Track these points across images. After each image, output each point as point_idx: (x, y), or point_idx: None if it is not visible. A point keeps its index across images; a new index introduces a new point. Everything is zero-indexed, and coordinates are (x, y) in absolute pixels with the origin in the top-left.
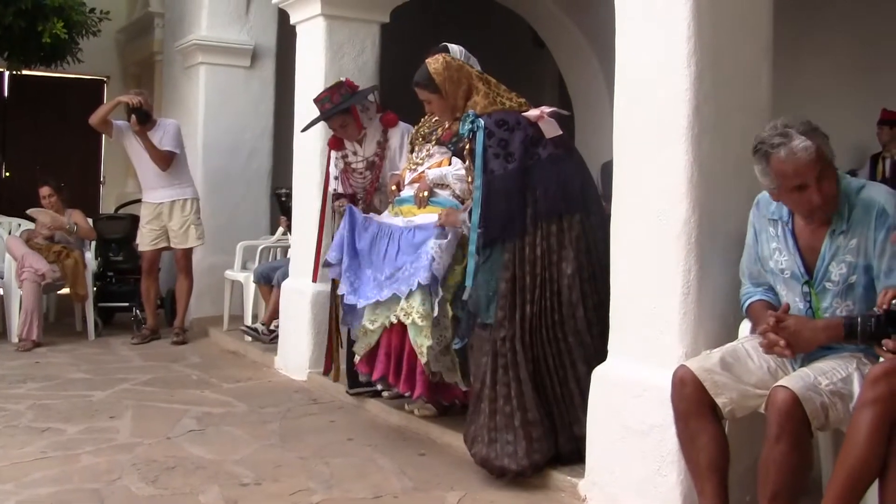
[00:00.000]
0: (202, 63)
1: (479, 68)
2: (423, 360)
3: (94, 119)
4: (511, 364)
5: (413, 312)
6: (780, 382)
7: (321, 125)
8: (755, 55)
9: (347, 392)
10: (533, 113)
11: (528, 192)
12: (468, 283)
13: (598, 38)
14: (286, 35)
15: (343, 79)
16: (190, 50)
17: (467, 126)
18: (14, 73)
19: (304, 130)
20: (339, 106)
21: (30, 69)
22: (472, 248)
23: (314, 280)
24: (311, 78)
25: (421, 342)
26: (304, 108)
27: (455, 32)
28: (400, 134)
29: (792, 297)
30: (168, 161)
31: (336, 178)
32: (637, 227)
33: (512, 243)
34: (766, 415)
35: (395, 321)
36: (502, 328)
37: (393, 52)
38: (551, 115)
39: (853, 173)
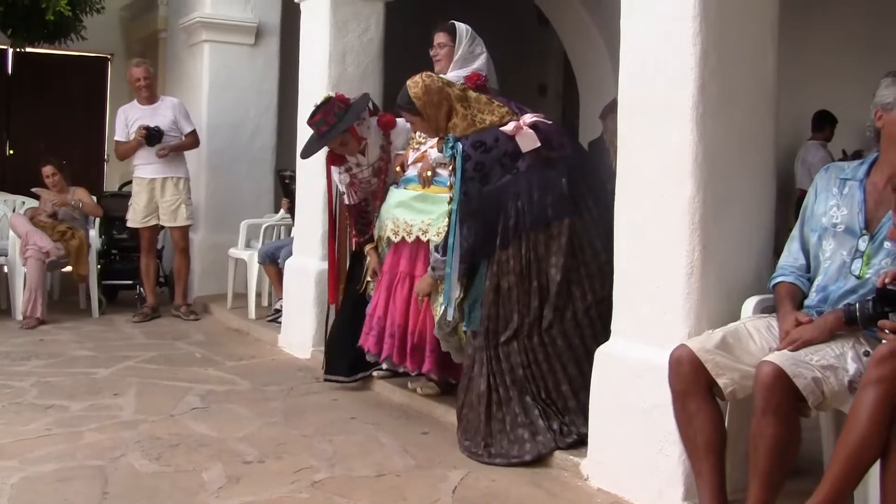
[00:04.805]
0: (206, 41)
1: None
2: (436, 316)
3: (122, 158)
4: (507, 370)
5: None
6: (766, 357)
7: None
8: (761, 34)
9: (325, 379)
10: (509, 128)
11: (511, 205)
12: (444, 301)
13: (602, 16)
14: (290, 13)
15: (332, 94)
16: (194, 27)
17: (448, 152)
18: (18, 50)
19: (304, 157)
20: (336, 128)
21: (33, 46)
22: (447, 270)
23: (331, 303)
24: (315, 56)
25: (437, 308)
26: (308, 87)
27: (461, 10)
28: (402, 132)
29: (839, 252)
30: (197, 141)
31: (343, 192)
32: (641, 206)
33: (494, 256)
34: (754, 390)
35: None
36: (494, 336)
37: (401, 31)
38: (533, 125)
39: (858, 154)
